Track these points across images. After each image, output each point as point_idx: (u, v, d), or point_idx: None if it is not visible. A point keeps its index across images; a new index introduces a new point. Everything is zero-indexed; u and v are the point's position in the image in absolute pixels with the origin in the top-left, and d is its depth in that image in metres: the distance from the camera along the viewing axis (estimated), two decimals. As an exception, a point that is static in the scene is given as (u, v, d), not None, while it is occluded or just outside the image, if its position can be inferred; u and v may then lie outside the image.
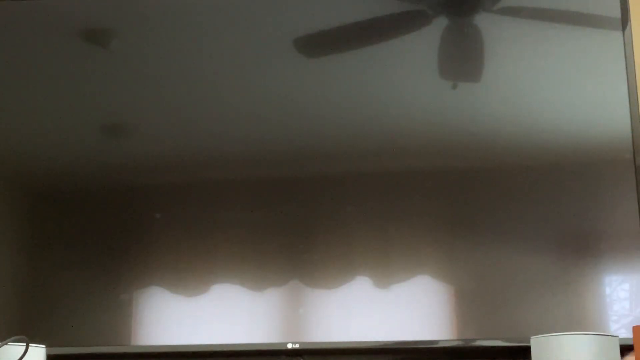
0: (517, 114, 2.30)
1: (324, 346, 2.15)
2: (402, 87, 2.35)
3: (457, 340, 2.16)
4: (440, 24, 2.38)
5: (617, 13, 2.32)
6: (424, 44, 2.37)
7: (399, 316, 2.18)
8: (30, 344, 1.82)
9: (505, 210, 2.25)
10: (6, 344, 1.81)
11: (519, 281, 2.19)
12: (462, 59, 2.39)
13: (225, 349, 2.17)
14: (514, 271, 2.20)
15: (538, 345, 1.84)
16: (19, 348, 1.82)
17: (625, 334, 2.10)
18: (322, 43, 2.41)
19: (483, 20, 2.38)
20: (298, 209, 2.27)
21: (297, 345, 2.14)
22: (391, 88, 2.34)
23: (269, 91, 2.36)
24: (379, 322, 2.18)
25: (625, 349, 2.03)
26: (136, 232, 2.29)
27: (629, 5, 2.33)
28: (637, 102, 2.25)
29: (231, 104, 2.37)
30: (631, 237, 2.17)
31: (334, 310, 2.19)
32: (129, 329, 2.22)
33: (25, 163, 2.38)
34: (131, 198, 2.32)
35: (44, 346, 1.92)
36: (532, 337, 1.87)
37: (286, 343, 2.15)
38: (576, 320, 2.14)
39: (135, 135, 2.38)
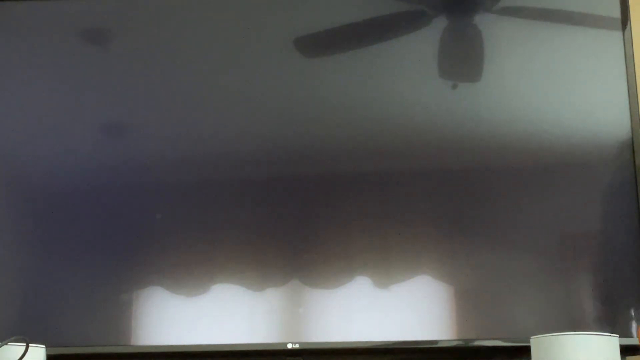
0: (517, 114, 2.30)
1: (324, 346, 2.15)
2: (402, 87, 2.34)
3: (457, 340, 2.16)
4: (440, 24, 2.38)
5: (617, 13, 2.32)
6: (424, 44, 2.37)
7: (399, 316, 2.18)
8: (30, 344, 1.82)
9: (505, 210, 2.25)
10: (6, 344, 1.81)
11: (519, 281, 2.19)
12: (462, 59, 2.39)
13: (225, 349, 2.17)
14: (514, 271, 2.20)
15: (538, 345, 1.84)
16: (19, 348, 1.82)
17: (625, 334, 2.10)
18: (322, 43, 2.41)
19: (483, 20, 2.38)
20: (298, 209, 2.27)
21: (297, 345, 2.14)
22: (391, 88, 2.34)
23: (269, 91, 2.36)
24: (379, 322, 2.18)
25: (628, 349, 2.03)
26: (136, 232, 2.29)
27: (629, 5, 2.33)
28: (637, 102, 2.25)
29: (231, 104, 2.37)
30: (631, 237, 2.17)
31: (334, 310, 2.19)
32: (129, 329, 2.22)
33: (25, 163, 2.38)
34: (131, 198, 2.32)
35: (44, 346, 1.92)
36: (532, 337, 1.87)
37: (286, 343, 2.15)
38: (576, 320, 2.14)
39: (135, 135, 2.38)
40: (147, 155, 2.35)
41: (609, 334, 1.85)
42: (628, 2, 2.33)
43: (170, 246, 2.27)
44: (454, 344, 2.15)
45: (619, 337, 1.87)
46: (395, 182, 2.28)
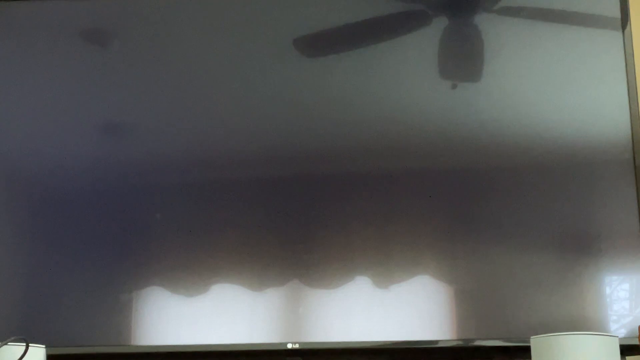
0: (516, 114, 2.30)
1: (323, 346, 2.15)
2: (402, 87, 2.35)
3: (457, 340, 2.16)
4: (440, 24, 2.38)
5: (617, 13, 2.32)
6: (424, 44, 2.37)
7: (399, 316, 2.18)
8: (30, 344, 1.82)
9: (505, 210, 2.25)
10: (6, 344, 1.81)
11: (519, 281, 2.19)
12: (462, 59, 2.39)
13: (225, 349, 2.17)
14: (514, 271, 2.20)
15: (538, 345, 1.84)
16: (19, 348, 1.82)
17: (625, 334, 2.11)
18: (322, 43, 2.41)
19: (483, 20, 2.38)
20: (298, 209, 2.27)
21: (297, 345, 2.14)
22: (391, 88, 2.34)
23: (269, 91, 2.36)
24: (379, 322, 2.18)
25: (628, 349, 2.03)
26: (136, 232, 2.29)
27: (629, 5, 2.33)
28: (637, 102, 2.26)
29: (231, 104, 2.37)
30: (631, 237, 2.17)
31: (334, 310, 2.19)
32: (129, 329, 2.22)
33: (25, 163, 2.38)
34: (131, 198, 2.32)
35: (44, 346, 1.92)
36: (532, 337, 1.87)
37: (286, 343, 2.15)
38: (576, 320, 2.14)
39: (135, 135, 2.39)
40: (147, 156, 2.35)
41: (609, 334, 1.85)
42: (628, 2, 2.33)
43: (170, 246, 2.27)
44: (454, 344, 2.15)
45: (619, 337, 1.87)
46: (395, 182, 2.28)
